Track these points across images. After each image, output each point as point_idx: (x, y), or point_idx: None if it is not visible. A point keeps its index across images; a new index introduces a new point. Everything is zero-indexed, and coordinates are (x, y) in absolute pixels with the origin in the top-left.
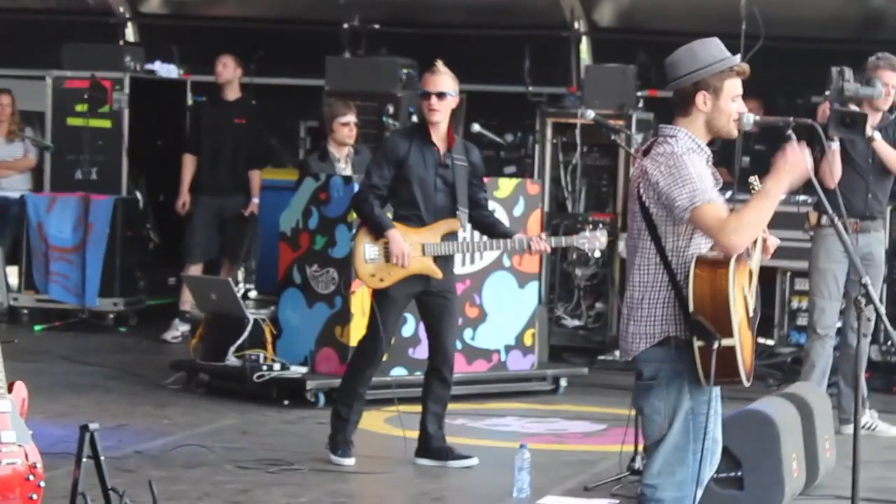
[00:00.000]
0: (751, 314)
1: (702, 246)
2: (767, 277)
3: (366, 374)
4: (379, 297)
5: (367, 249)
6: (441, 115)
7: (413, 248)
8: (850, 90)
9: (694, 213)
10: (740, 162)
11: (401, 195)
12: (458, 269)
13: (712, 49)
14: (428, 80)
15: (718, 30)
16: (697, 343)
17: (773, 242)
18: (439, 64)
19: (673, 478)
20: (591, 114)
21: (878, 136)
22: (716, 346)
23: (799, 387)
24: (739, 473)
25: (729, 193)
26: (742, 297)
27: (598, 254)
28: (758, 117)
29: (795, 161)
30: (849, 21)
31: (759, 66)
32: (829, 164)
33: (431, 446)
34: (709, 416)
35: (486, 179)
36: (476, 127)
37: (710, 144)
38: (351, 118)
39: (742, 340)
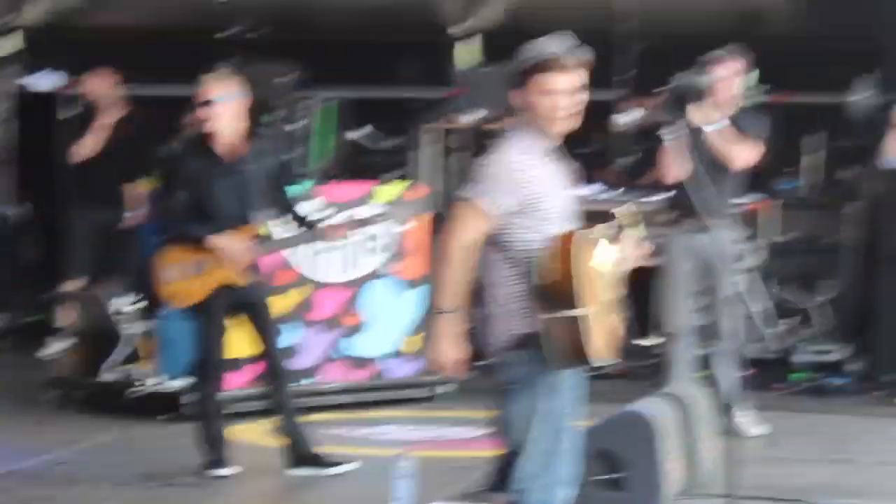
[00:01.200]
0: (616, 302)
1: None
2: (645, 277)
3: (208, 392)
4: (193, 314)
5: (166, 272)
6: (215, 122)
7: (211, 260)
8: (679, 80)
9: (458, 202)
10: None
11: (199, 211)
12: (337, 277)
13: (532, 48)
14: (197, 91)
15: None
16: (542, 316)
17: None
18: (209, 74)
19: (541, 481)
20: (469, 117)
21: (709, 128)
22: (559, 315)
23: (677, 387)
24: (618, 475)
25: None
26: (599, 277)
27: (402, 225)
28: (629, 118)
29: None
30: (727, 19)
31: (640, 64)
32: (664, 159)
33: (301, 454)
34: (570, 414)
35: (367, 185)
36: (356, 133)
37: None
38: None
39: (594, 316)
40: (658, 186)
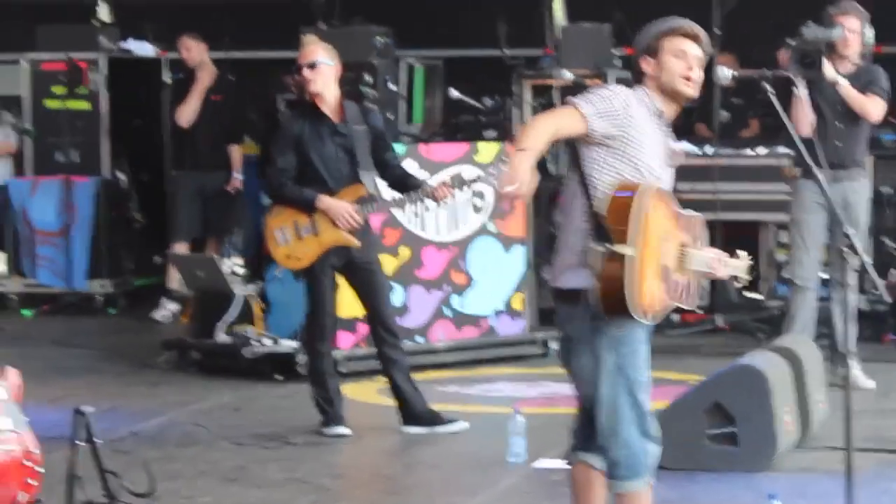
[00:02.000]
0: (673, 275)
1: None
2: (751, 231)
3: (321, 351)
4: (305, 276)
5: (277, 234)
6: (319, 84)
7: (323, 221)
8: (809, 34)
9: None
10: (718, 116)
11: (305, 173)
12: (443, 236)
13: (662, 21)
14: (300, 54)
15: None
16: (591, 245)
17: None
18: (307, 36)
19: (617, 437)
20: (567, 74)
21: (843, 81)
22: (606, 248)
23: (789, 340)
24: (733, 429)
25: (708, 148)
26: (659, 237)
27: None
28: (735, 72)
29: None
30: None
31: (735, 20)
32: (796, 111)
33: (415, 412)
34: (637, 367)
35: (467, 144)
36: (454, 92)
37: (683, 114)
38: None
39: (642, 271)
40: (754, 140)
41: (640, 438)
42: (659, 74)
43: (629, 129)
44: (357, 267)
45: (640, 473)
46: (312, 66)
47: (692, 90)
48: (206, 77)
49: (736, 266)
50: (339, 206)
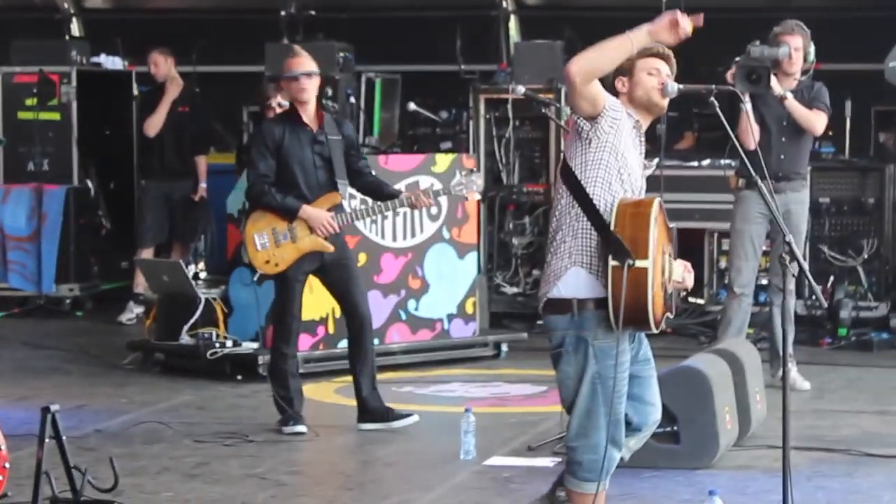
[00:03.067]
0: (667, 285)
1: (615, 184)
2: (696, 239)
3: (285, 352)
4: (278, 280)
5: (256, 238)
6: (310, 94)
7: (301, 227)
8: (755, 52)
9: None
10: (662, 129)
11: (283, 178)
12: (399, 243)
13: None
14: (293, 63)
15: (640, 3)
16: (612, 263)
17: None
18: (297, 48)
19: (587, 440)
20: (521, 89)
21: (790, 95)
22: (629, 264)
23: (729, 343)
24: (675, 428)
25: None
26: (661, 251)
27: (476, 196)
28: (681, 86)
29: (670, 21)
30: None
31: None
32: (742, 125)
33: (370, 408)
34: (617, 378)
35: (423, 155)
36: (412, 105)
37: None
38: (277, 100)
39: (655, 287)
40: (697, 153)
41: (608, 446)
42: (633, 90)
43: (619, 136)
44: (331, 266)
45: (599, 477)
46: (309, 75)
47: (665, 102)
48: (173, 90)
49: (691, 276)
50: (320, 214)
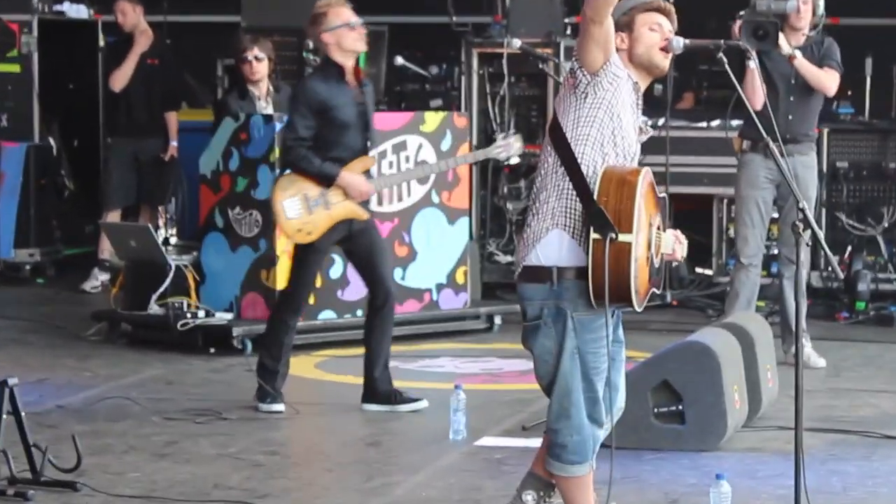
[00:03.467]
0: (653, 259)
1: (608, 146)
2: (704, 205)
3: (290, 325)
4: (305, 249)
5: (287, 207)
6: (363, 46)
7: (335, 194)
8: (761, 5)
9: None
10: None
11: (325, 140)
12: (386, 207)
13: None
14: (341, 12)
15: None
16: (594, 235)
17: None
18: None
19: (570, 421)
20: (517, 42)
21: (798, 54)
22: (611, 238)
23: (739, 317)
24: (680, 407)
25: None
26: (647, 223)
27: (515, 160)
28: (688, 41)
29: None
30: None
31: None
32: (749, 83)
33: (379, 390)
34: (598, 354)
35: (412, 113)
36: (399, 59)
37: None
38: (253, 53)
39: (639, 263)
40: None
41: (589, 424)
42: (634, 47)
43: (618, 94)
44: (359, 235)
45: (587, 457)
46: (355, 25)
47: (665, 62)
48: (143, 41)
49: (685, 246)
50: (360, 182)
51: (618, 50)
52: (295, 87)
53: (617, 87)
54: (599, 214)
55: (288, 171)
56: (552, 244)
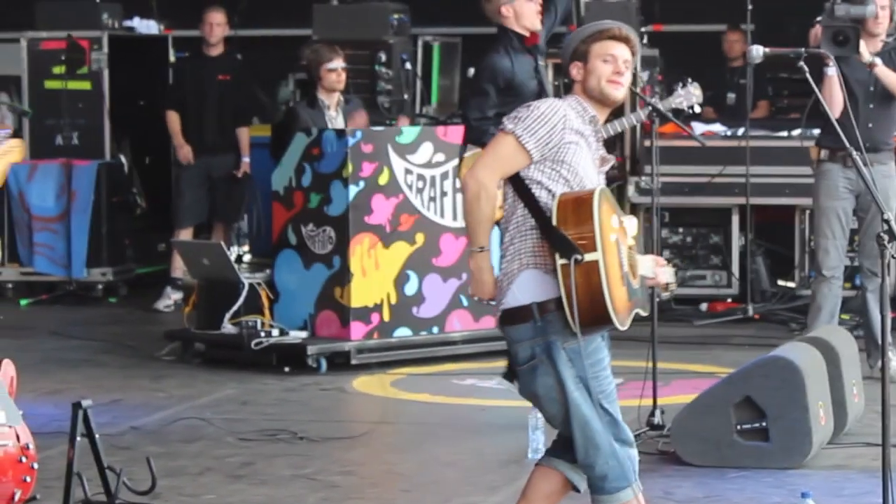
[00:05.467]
0: (629, 278)
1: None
2: (785, 216)
3: None
4: None
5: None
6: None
7: None
8: (839, 11)
9: (500, 133)
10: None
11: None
12: (461, 222)
13: (590, 25)
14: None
15: None
16: (560, 261)
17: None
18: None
19: (599, 450)
20: None
21: (879, 61)
22: (577, 259)
23: (823, 331)
24: (764, 424)
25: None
26: (613, 241)
27: (697, 108)
28: (767, 49)
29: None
30: None
31: None
32: (828, 91)
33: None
34: (600, 377)
35: None
36: (473, 71)
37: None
38: (339, 63)
39: (611, 280)
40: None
41: (620, 447)
42: (587, 80)
43: (567, 145)
44: None
45: (629, 480)
46: None
47: (619, 92)
48: (211, 57)
49: (669, 271)
50: None
51: (573, 81)
52: (479, 65)
53: (563, 144)
54: (561, 239)
55: (472, 150)
56: (526, 283)
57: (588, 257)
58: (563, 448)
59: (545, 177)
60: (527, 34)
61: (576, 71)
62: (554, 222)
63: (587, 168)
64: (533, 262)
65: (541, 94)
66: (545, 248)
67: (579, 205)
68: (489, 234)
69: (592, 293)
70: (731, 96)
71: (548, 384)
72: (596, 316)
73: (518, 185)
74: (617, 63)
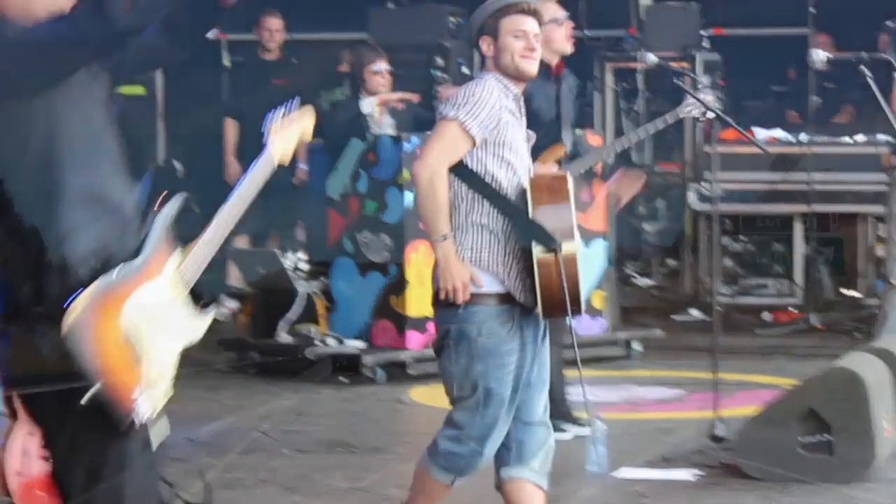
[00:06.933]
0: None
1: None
2: (849, 224)
3: None
4: None
5: None
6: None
7: None
8: None
9: (442, 121)
10: (812, 101)
11: None
12: None
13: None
14: (550, 7)
15: None
16: (537, 251)
17: None
18: None
19: (461, 431)
20: (652, 58)
21: None
22: (559, 252)
23: (888, 341)
24: (828, 437)
25: (802, 135)
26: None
27: (711, 114)
28: (830, 55)
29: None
30: None
31: None
32: None
33: (560, 411)
34: (502, 380)
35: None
36: None
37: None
38: (383, 65)
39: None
40: (850, 127)
41: (473, 441)
42: (499, 57)
43: (505, 125)
44: None
45: (460, 474)
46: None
47: (533, 67)
48: (267, 61)
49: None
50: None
51: (484, 56)
52: None
53: (500, 124)
54: (536, 228)
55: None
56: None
57: (567, 247)
58: (507, 450)
59: (493, 165)
60: (554, 61)
61: (486, 46)
62: (530, 207)
63: (521, 146)
64: (471, 256)
65: (559, 122)
66: (484, 242)
67: (554, 193)
68: (448, 220)
69: (571, 281)
70: (817, 100)
71: (447, 367)
72: (558, 306)
73: (466, 174)
74: (528, 38)
